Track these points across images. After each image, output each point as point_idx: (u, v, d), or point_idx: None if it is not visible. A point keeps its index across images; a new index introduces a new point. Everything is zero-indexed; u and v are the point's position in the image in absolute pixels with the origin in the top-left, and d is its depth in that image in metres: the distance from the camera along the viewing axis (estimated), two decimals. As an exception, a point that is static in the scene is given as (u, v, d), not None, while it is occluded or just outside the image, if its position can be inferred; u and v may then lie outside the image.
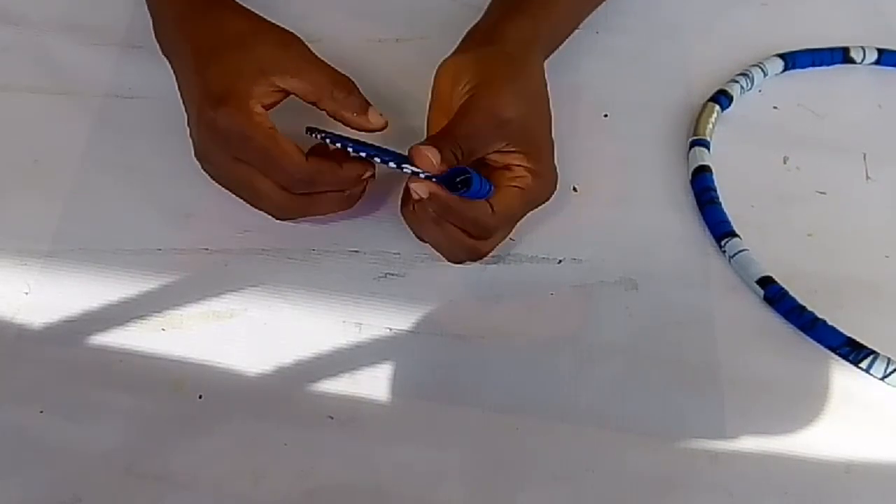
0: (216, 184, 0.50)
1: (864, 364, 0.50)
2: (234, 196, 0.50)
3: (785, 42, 0.62)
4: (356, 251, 0.53)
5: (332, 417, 0.48)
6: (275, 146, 0.47)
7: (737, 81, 0.60)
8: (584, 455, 0.47)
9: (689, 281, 0.53)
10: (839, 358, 0.50)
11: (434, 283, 0.52)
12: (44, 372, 0.49)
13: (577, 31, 0.61)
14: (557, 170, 0.51)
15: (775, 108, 0.61)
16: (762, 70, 0.60)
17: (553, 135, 0.52)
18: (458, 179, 0.46)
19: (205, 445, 0.47)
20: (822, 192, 0.57)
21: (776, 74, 0.61)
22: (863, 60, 0.62)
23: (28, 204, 0.54)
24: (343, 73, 0.51)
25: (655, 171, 0.57)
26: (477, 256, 0.50)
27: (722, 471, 0.47)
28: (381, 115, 0.51)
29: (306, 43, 0.51)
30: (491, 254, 0.52)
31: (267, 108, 0.49)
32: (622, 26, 0.62)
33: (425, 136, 0.50)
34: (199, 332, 0.50)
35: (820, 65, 0.62)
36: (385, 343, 0.50)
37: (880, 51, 0.62)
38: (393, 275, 0.52)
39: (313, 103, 0.50)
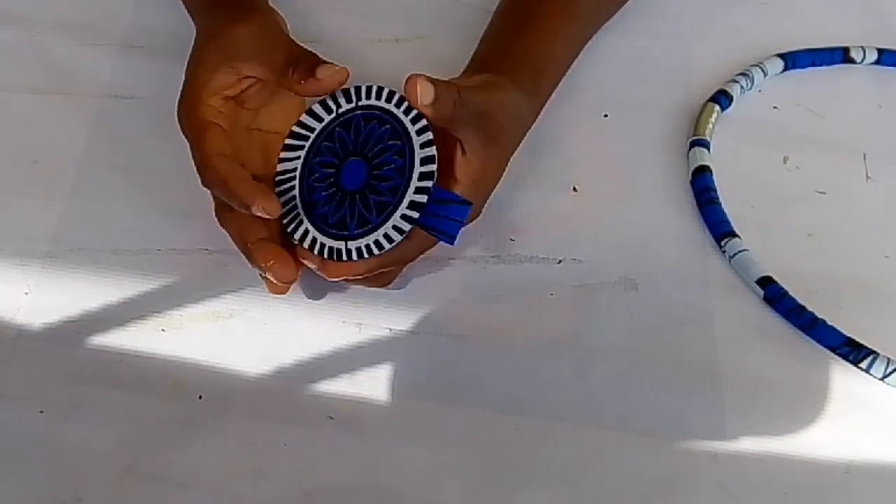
0: None
1: (863, 364, 0.50)
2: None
3: (785, 42, 0.62)
4: (356, 251, 0.53)
5: (332, 417, 0.48)
6: (197, 137, 0.47)
7: (737, 81, 0.60)
8: (584, 455, 0.47)
9: (689, 281, 0.53)
10: (839, 358, 0.50)
11: (434, 283, 0.52)
12: (44, 372, 0.49)
13: (576, 30, 0.61)
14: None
15: (775, 108, 0.61)
16: (762, 70, 0.60)
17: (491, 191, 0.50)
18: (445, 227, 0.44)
19: (205, 445, 0.47)
20: (821, 192, 0.57)
21: (776, 74, 0.61)
22: (863, 60, 0.62)
23: (27, 204, 0.54)
24: (303, 48, 0.48)
25: (655, 171, 0.57)
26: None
27: (722, 471, 0.47)
28: (334, 66, 0.47)
29: (284, 27, 0.51)
30: (491, 254, 0.52)
31: (234, 98, 0.48)
32: (622, 26, 0.62)
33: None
34: (199, 333, 0.50)
35: (820, 65, 0.62)
36: (385, 343, 0.50)
37: (880, 51, 0.62)
38: (393, 275, 0.52)
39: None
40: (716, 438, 0.48)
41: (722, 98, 0.59)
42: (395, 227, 0.44)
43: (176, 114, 0.48)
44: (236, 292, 0.51)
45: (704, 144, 0.57)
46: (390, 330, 0.50)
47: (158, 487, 0.46)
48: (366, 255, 0.45)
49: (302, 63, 0.47)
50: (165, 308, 0.51)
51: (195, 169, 0.47)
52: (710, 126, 0.58)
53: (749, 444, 0.48)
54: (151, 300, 0.51)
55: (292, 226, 0.47)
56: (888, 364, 0.49)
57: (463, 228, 0.45)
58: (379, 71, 0.59)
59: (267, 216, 0.45)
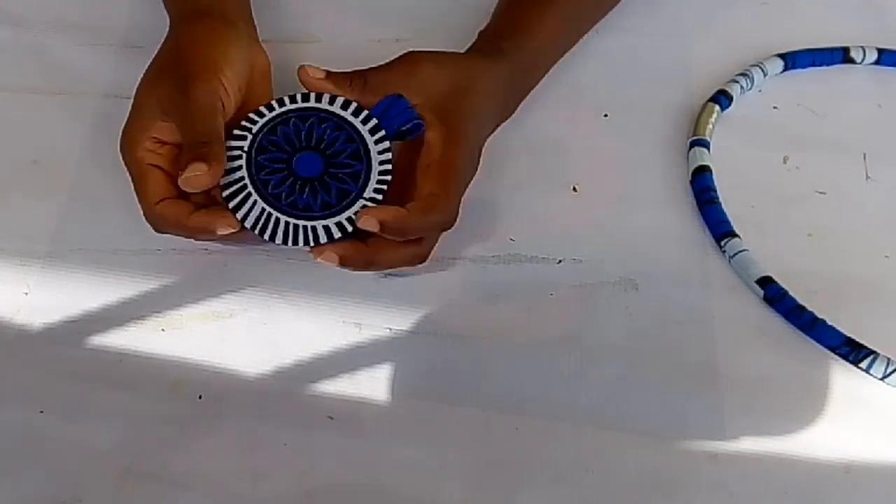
0: None
1: (863, 364, 0.50)
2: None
3: (785, 42, 0.62)
4: (356, 251, 0.53)
5: (331, 417, 0.48)
6: (138, 182, 0.47)
7: (737, 81, 0.60)
8: (584, 455, 0.47)
9: (689, 281, 0.53)
10: (839, 358, 0.50)
11: (434, 283, 0.52)
12: (44, 372, 0.49)
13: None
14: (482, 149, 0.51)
15: (775, 108, 0.61)
16: (762, 70, 0.60)
17: (473, 126, 0.51)
18: (403, 128, 0.48)
19: (205, 445, 0.47)
20: (821, 192, 0.57)
21: (776, 74, 0.61)
22: (863, 60, 0.62)
23: (27, 204, 0.54)
24: (214, 133, 0.47)
25: (655, 171, 0.57)
26: (423, 258, 0.50)
27: (722, 471, 0.47)
28: (201, 167, 0.45)
29: (243, 74, 0.50)
30: (491, 254, 0.52)
31: (174, 144, 0.48)
32: (622, 26, 0.62)
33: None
34: (199, 333, 0.50)
35: (820, 65, 0.62)
36: (385, 343, 0.50)
37: (880, 50, 0.62)
38: (393, 275, 0.52)
39: None
40: (716, 438, 0.48)
41: (722, 98, 0.59)
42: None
43: (119, 141, 0.49)
44: (236, 292, 0.51)
45: (704, 144, 0.57)
46: (390, 330, 0.50)
47: (158, 487, 0.46)
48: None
49: (186, 154, 0.46)
50: (165, 308, 0.51)
51: (141, 213, 0.47)
52: (710, 126, 0.58)
53: (749, 444, 0.48)
54: (151, 300, 0.51)
55: (244, 209, 0.47)
56: (888, 364, 0.49)
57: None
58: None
59: (232, 231, 0.46)
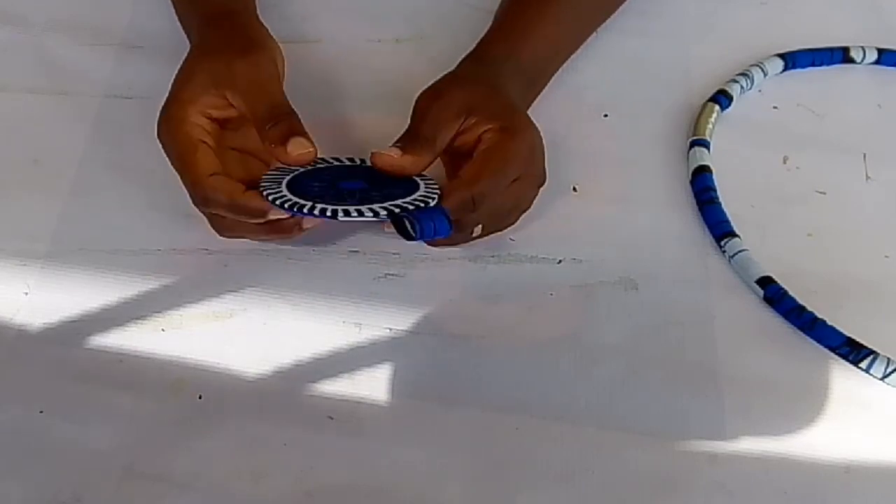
0: None
1: (863, 364, 0.50)
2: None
3: (785, 42, 0.62)
4: (356, 251, 0.53)
5: (331, 417, 0.48)
6: (187, 156, 0.47)
7: (737, 81, 0.60)
8: (584, 455, 0.47)
9: (689, 281, 0.53)
10: (839, 358, 0.50)
11: (434, 283, 0.52)
12: (44, 372, 0.49)
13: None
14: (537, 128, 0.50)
15: (775, 107, 0.61)
16: (762, 70, 0.60)
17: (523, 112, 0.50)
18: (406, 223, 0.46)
19: (205, 445, 0.47)
20: (821, 192, 0.57)
21: (776, 74, 0.61)
22: (863, 60, 0.62)
23: (27, 204, 0.54)
24: (287, 102, 0.49)
25: (655, 171, 0.57)
26: (467, 238, 0.50)
27: (722, 471, 0.47)
28: (306, 144, 0.47)
29: (279, 63, 0.51)
30: (491, 253, 0.52)
31: (218, 120, 0.49)
32: (622, 26, 0.62)
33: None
34: (199, 333, 0.50)
35: (820, 64, 0.62)
36: (385, 343, 0.50)
37: (880, 50, 0.62)
38: (392, 275, 0.52)
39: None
40: (716, 438, 0.48)
41: (722, 98, 0.59)
42: (383, 207, 0.46)
43: (157, 126, 0.48)
44: (236, 292, 0.51)
45: (704, 144, 0.57)
46: (390, 330, 0.50)
47: (158, 487, 0.46)
48: (354, 216, 0.45)
49: (280, 124, 0.47)
50: (165, 308, 0.51)
51: (186, 188, 0.47)
52: (710, 126, 0.58)
53: (749, 444, 0.48)
54: (151, 300, 0.51)
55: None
56: (888, 364, 0.49)
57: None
58: (379, 71, 0.59)
59: (284, 216, 0.46)
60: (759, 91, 0.61)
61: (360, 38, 0.61)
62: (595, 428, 0.48)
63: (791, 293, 0.51)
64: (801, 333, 0.51)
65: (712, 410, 0.49)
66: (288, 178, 0.48)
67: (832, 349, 0.50)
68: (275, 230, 0.49)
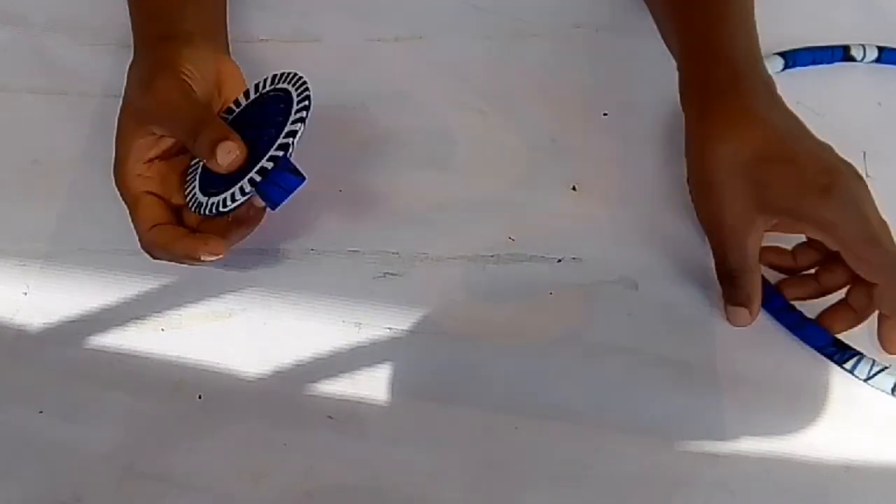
0: None
1: (848, 365, 0.50)
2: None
3: (785, 40, 0.62)
4: (355, 251, 0.53)
5: (331, 417, 0.48)
6: (131, 210, 0.48)
7: None
8: (584, 455, 0.47)
9: (689, 281, 0.53)
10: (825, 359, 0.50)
11: (433, 282, 0.52)
12: (43, 372, 0.49)
13: (576, 29, 0.61)
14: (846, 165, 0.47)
15: (775, 107, 0.61)
16: None
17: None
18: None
19: (205, 445, 0.47)
20: (822, 192, 0.57)
21: (776, 73, 0.61)
22: (863, 59, 0.62)
23: (27, 204, 0.54)
24: (203, 110, 0.48)
25: (655, 171, 0.57)
26: None
27: (722, 471, 0.47)
28: (233, 147, 0.46)
29: (206, 71, 0.50)
30: (491, 253, 0.52)
31: (159, 156, 0.49)
32: (622, 25, 0.62)
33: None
34: (199, 333, 0.50)
35: (820, 63, 0.62)
36: (384, 343, 0.50)
37: (880, 49, 0.62)
38: (392, 274, 0.52)
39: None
40: (716, 438, 0.48)
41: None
42: (240, 189, 0.46)
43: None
44: (236, 292, 0.51)
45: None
46: (390, 330, 0.50)
47: (158, 487, 0.46)
48: (214, 211, 0.46)
49: (203, 136, 0.46)
50: (165, 308, 0.51)
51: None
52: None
53: (749, 444, 0.48)
54: (151, 300, 0.51)
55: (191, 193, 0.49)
56: (872, 365, 0.49)
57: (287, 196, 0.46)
58: (379, 70, 0.59)
59: (216, 258, 0.46)
60: (760, 90, 0.61)
61: (360, 37, 0.61)
62: (595, 428, 0.48)
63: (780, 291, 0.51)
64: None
65: (712, 410, 0.49)
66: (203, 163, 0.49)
67: (819, 349, 0.50)
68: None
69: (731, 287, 0.48)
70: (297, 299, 0.51)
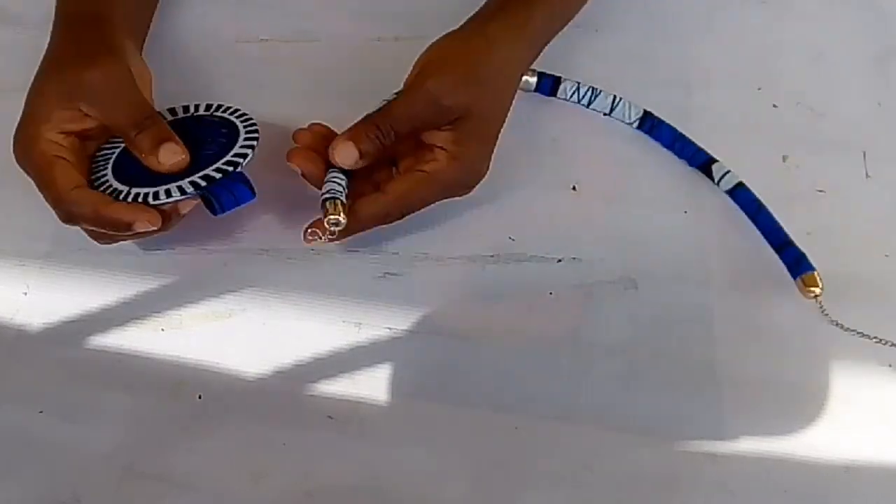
0: None
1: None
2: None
3: (785, 40, 0.62)
4: (355, 251, 0.53)
5: (331, 417, 0.48)
6: (45, 174, 0.46)
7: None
8: (584, 455, 0.47)
9: (689, 281, 0.53)
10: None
11: (433, 282, 0.52)
12: (44, 372, 0.49)
13: (576, 29, 0.61)
14: (489, 163, 0.50)
15: (775, 106, 0.61)
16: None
17: (499, 128, 0.51)
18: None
19: (205, 445, 0.47)
20: (821, 191, 0.57)
21: (775, 72, 0.61)
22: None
23: (27, 204, 0.54)
24: (149, 107, 0.48)
25: (655, 171, 0.57)
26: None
27: (722, 470, 0.47)
28: (178, 150, 0.46)
29: (141, 73, 0.50)
30: (491, 253, 0.52)
31: (76, 133, 0.47)
32: (622, 25, 0.62)
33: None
34: (199, 333, 0.50)
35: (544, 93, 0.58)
36: (384, 343, 0.50)
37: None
38: (392, 274, 0.52)
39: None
40: (716, 438, 0.48)
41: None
42: (178, 188, 0.46)
43: (13, 149, 0.47)
44: (236, 292, 0.51)
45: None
46: (390, 330, 0.50)
47: (158, 487, 0.46)
48: (140, 200, 0.46)
49: (147, 132, 0.46)
50: (165, 308, 0.51)
51: (50, 206, 0.46)
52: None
53: (749, 444, 0.48)
54: (151, 300, 0.51)
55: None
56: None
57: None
58: (379, 70, 0.59)
59: (152, 228, 0.46)
60: (759, 89, 0.61)
61: (360, 37, 0.61)
62: (595, 428, 0.48)
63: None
64: (801, 333, 0.51)
65: (712, 410, 0.49)
66: (116, 154, 0.49)
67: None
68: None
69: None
70: (297, 299, 0.51)
